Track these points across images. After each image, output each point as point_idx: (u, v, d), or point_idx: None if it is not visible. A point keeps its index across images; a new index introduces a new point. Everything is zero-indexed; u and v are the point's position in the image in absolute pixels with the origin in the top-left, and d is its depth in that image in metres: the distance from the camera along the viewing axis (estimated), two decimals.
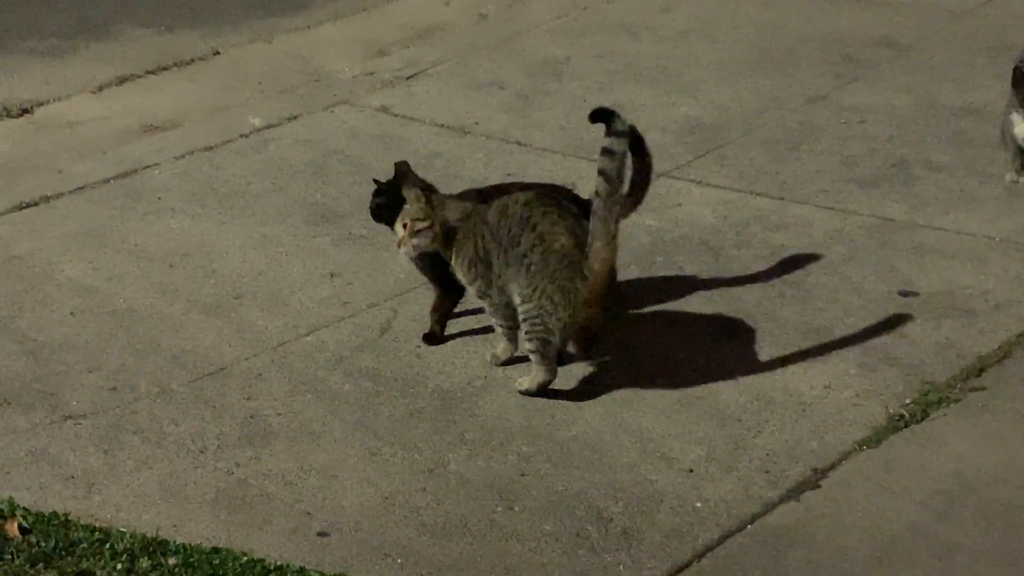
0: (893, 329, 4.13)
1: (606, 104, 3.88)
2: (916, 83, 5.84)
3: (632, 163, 3.98)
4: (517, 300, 3.81)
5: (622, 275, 4.47)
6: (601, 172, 3.70)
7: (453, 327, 4.16)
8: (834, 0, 6.81)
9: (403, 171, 4.09)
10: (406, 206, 3.90)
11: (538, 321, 3.78)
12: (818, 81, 5.90)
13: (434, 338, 4.13)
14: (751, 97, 5.77)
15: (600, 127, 3.75)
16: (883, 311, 4.23)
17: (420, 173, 4.15)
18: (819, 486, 3.51)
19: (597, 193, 3.70)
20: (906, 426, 3.72)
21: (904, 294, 4.32)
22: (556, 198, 3.91)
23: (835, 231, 4.71)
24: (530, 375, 3.88)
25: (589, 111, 3.82)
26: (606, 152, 3.71)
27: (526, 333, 3.82)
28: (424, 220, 3.86)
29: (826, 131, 5.45)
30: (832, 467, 3.57)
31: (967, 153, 5.22)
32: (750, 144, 5.36)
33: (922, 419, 3.74)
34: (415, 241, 3.88)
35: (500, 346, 4.00)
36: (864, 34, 6.37)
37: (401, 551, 3.33)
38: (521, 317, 3.82)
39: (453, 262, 3.91)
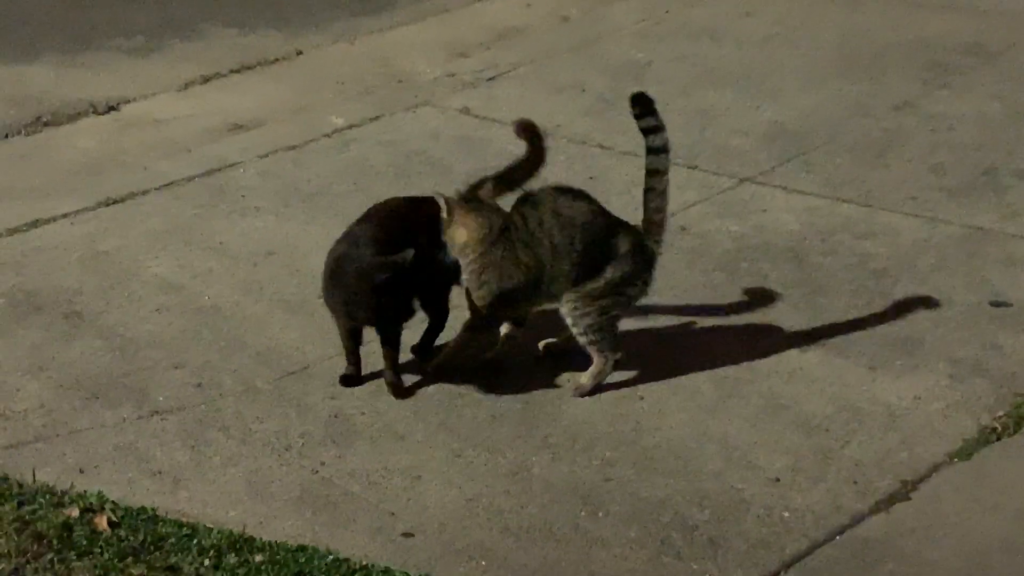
0: (984, 340, 4.07)
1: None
2: (1005, 90, 5.74)
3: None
4: (583, 295, 3.79)
5: (706, 280, 4.45)
6: (660, 150, 3.80)
7: (532, 335, 4.13)
8: (921, 6, 6.73)
9: None
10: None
11: (613, 303, 3.80)
12: (905, 87, 5.82)
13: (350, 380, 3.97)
14: (836, 103, 5.71)
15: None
16: (974, 322, 4.16)
17: None
18: (909, 498, 3.46)
19: (658, 170, 3.80)
20: (998, 439, 3.65)
21: (995, 305, 4.25)
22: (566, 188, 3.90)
23: (923, 240, 4.64)
24: (590, 369, 3.87)
25: (632, 95, 3.83)
26: (651, 130, 3.80)
27: (592, 324, 3.80)
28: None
29: (913, 138, 5.37)
30: (922, 479, 3.52)
31: None
32: (836, 151, 5.30)
33: (1015, 432, 3.67)
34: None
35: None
36: (951, 41, 6.28)
37: (485, 553, 3.32)
38: (585, 311, 3.80)
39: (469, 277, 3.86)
